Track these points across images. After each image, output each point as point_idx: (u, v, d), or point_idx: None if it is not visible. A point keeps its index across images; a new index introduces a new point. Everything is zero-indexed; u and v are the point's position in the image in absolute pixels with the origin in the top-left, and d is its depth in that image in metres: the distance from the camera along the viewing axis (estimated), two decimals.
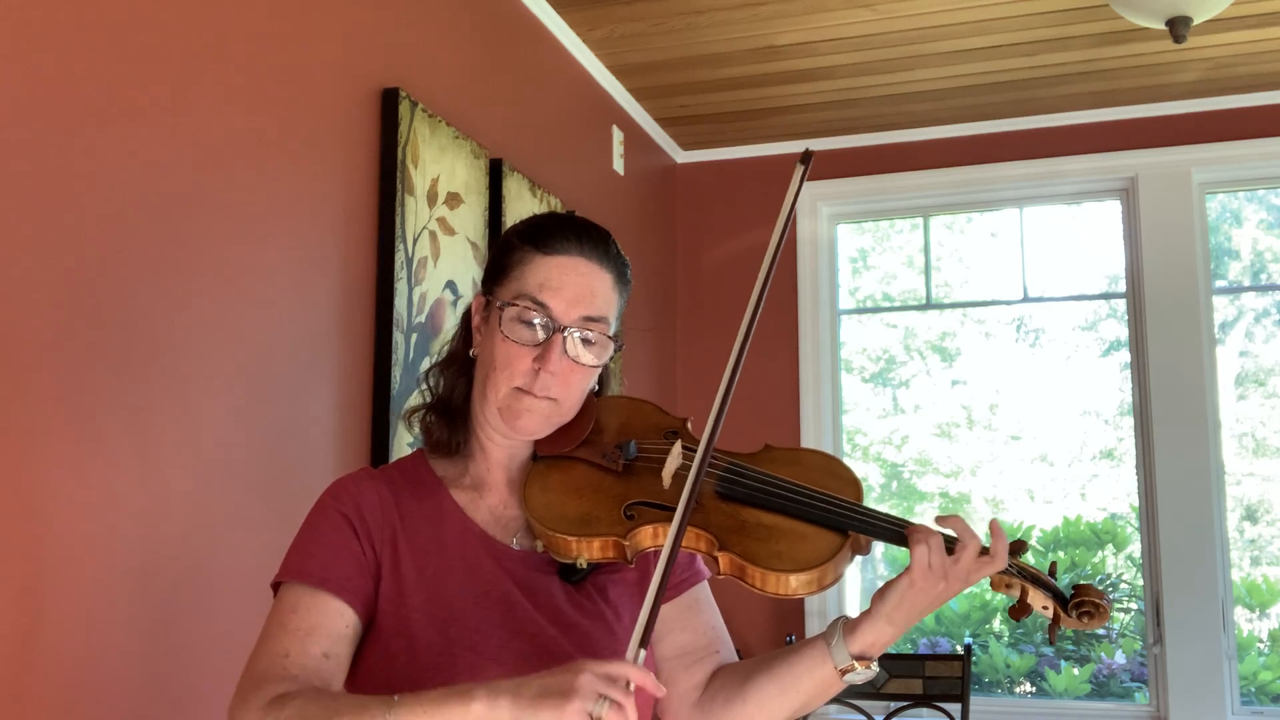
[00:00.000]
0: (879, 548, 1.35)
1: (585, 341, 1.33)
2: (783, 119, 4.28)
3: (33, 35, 1.68)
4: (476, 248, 2.89)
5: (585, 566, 1.31)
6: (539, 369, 1.30)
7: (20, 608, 1.62)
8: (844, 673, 1.30)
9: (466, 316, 1.43)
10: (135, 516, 1.82)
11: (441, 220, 2.73)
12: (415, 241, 2.60)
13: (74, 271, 1.73)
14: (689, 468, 1.23)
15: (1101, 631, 4.16)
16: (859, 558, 1.32)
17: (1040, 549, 4.41)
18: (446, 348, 1.45)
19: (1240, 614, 4.13)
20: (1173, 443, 3.99)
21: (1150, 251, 4.12)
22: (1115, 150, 4.18)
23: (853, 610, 4.30)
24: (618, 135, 4.00)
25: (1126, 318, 4.23)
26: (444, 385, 1.42)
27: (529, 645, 1.29)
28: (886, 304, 4.66)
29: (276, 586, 1.30)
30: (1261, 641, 4.18)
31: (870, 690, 3.38)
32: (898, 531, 1.29)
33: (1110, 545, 4.38)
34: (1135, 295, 4.18)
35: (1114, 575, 4.39)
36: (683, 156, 4.64)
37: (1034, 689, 4.31)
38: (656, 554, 1.32)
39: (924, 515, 4.53)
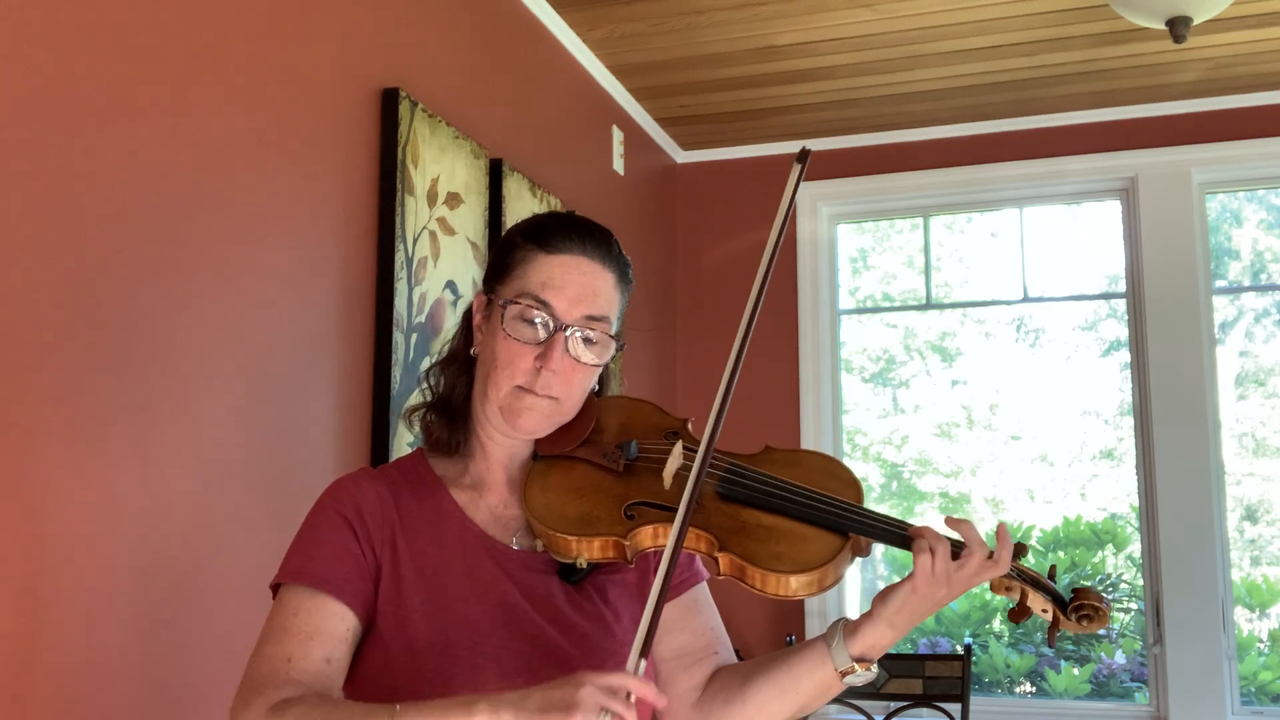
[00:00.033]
0: (879, 549, 1.35)
1: (587, 340, 1.33)
2: (783, 119, 4.28)
3: (33, 35, 1.68)
4: (476, 248, 2.89)
5: (585, 566, 1.31)
6: (541, 367, 1.30)
7: (20, 608, 1.62)
8: (844, 674, 1.30)
9: (467, 315, 1.42)
10: (135, 516, 1.82)
11: (441, 220, 2.73)
12: (415, 241, 2.60)
13: (74, 271, 1.73)
14: (690, 468, 1.23)
15: (1101, 632, 4.16)
16: (859, 559, 1.32)
17: (1040, 549, 4.42)
18: (447, 346, 1.45)
19: (1240, 614, 4.13)
20: (1173, 443, 3.99)
21: (1150, 251, 4.12)
22: (1115, 150, 4.18)
23: (852, 611, 4.30)
24: (618, 135, 4.00)
25: (1126, 318, 4.23)
26: (444, 384, 1.41)
27: (528, 646, 1.29)
28: (886, 304, 4.66)
29: (276, 587, 1.29)
30: (1261, 641, 4.18)
31: (870, 690, 3.38)
32: (898, 534, 1.29)
33: (1110, 545, 4.38)
34: (1135, 295, 4.18)
35: (1114, 575, 4.39)
36: (683, 156, 4.64)
37: (1034, 689, 4.31)
38: (656, 554, 1.33)
39: (924, 515, 4.53)
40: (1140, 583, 4.15)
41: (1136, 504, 4.15)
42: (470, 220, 2.87)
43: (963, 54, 3.71)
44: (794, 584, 1.25)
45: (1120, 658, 4.22)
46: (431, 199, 2.68)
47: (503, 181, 3.03)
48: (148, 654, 1.84)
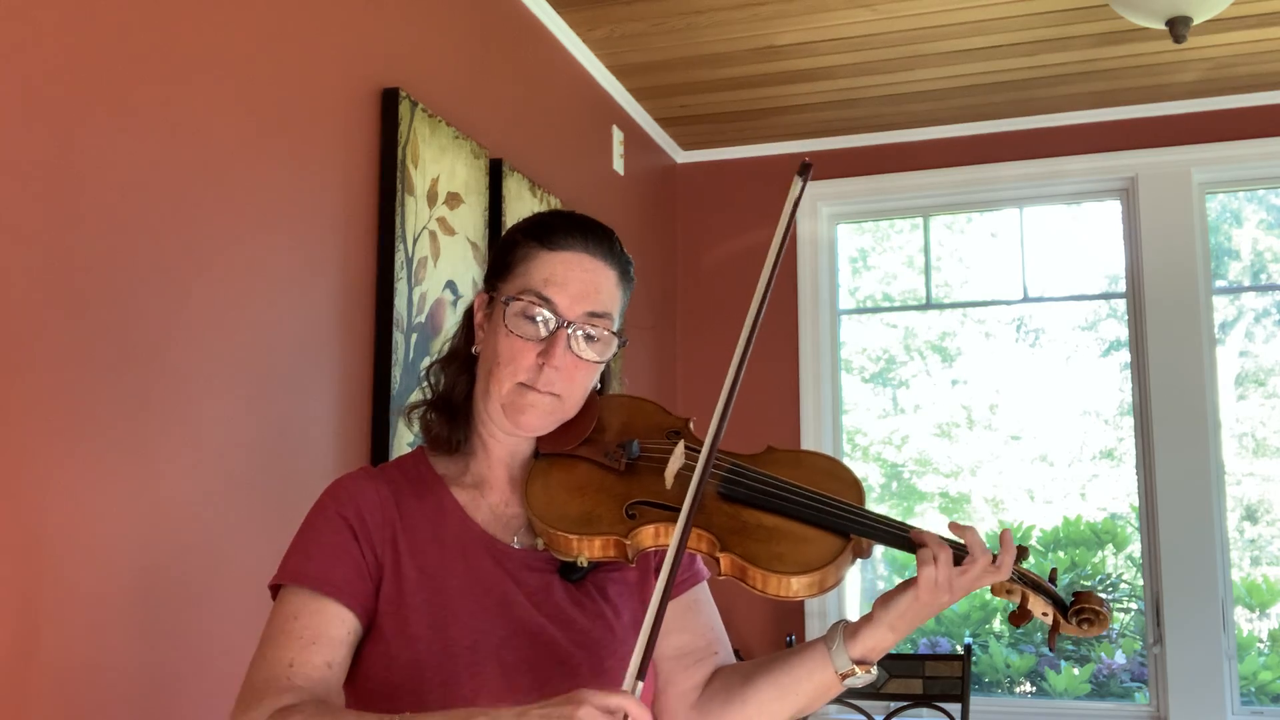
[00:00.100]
0: (879, 549, 1.34)
1: (589, 338, 1.33)
2: (783, 119, 4.28)
3: (33, 35, 1.68)
4: (476, 248, 2.89)
5: (586, 565, 1.31)
6: (543, 364, 1.30)
7: (20, 609, 1.62)
8: (844, 677, 1.30)
9: (469, 313, 1.42)
10: (134, 516, 1.82)
11: (441, 220, 2.73)
12: (415, 241, 2.60)
13: (74, 271, 1.73)
14: (692, 468, 1.23)
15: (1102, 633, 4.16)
16: (860, 560, 1.32)
17: (1040, 549, 4.41)
18: (448, 344, 1.45)
19: (1240, 614, 4.13)
20: (1173, 443, 3.99)
21: (1150, 251, 4.12)
22: (1115, 150, 4.18)
23: (852, 611, 4.30)
24: (618, 135, 4.00)
25: (1126, 318, 4.23)
26: (445, 382, 1.41)
27: (529, 644, 1.28)
28: (886, 304, 4.66)
29: (275, 588, 1.29)
30: (1261, 641, 4.18)
31: (870, 690, 3.38)
32: (900, 536, 1.29)
33: (1110, 545, 4.37)
34: (1135, 295, 4.18)
35: (1114, 575, 4.39)
36: (683, 156, 4.64)
37: (1034, 689, 4.31)
38: (657, 553, 1.33)
39: (924, 515, 4.53)
40: (1140, 583, 4.15)
41: (1136, 504, 4.15)
42: (470, 220, 2.87)
43: (963, 54, 3.71)
44: (795, 585, 1.25)
45: (1120, 658, 4.22)
46: (431, 199, 2.68)
47: (503, 181, 3.03)
48: (148, 655, 1.84)
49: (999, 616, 4.39)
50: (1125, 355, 4.26)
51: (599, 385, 1.42)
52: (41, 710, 1.64)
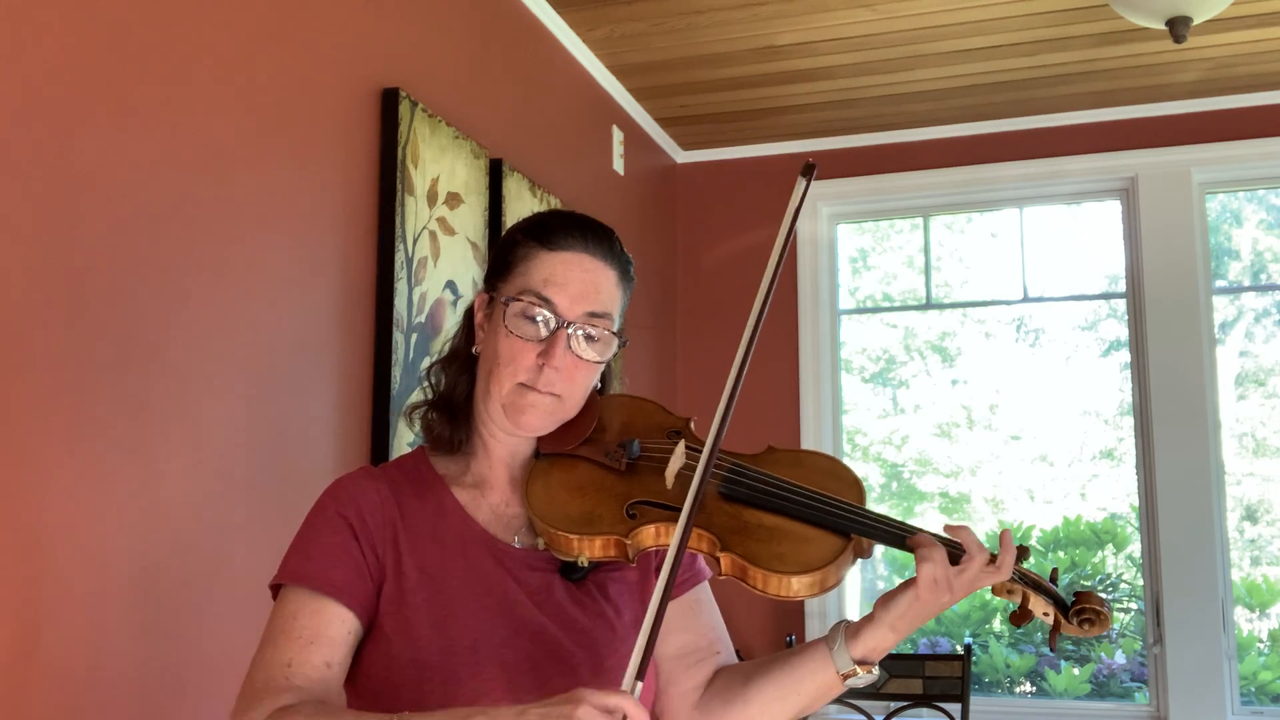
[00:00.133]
0: (879, 549, 1.34)
1: (589, 338, 1.33)
2: (783, 119, 4.28)
3: (33, 35, 1.68)
4: (476, 248, 2.89)
5: (586, 565, 1.31)
6: (543, 365, 1.30)
7: (20, 610, 1.62)
8: (846, 677, 1.30)
9: (469, 313, 1.42)
10: (134, 517, 1.82)
11: (441, 220, 2.73)
12: (415, 241, 2.60)
13: (74, 272, 1.73)
14: (692, 468, 1.23)
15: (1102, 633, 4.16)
16: (860, 560, 1.32)
17: (1040, 549, 4.41)
18: (448, 345, 1.45)
19: (1240, 614, 4.13)
20: (1173, 443, 3.99)
21: (1150, 251, 4.12)
22: (1115, 150, 4.18)
23: (852, 611, 4.30)
24: (618, 135, 4.00)
25: (1126, 318, 4.23)
26: (446, 382, 1.41)
27: (531, 643, 1.28)
28: (886, 304, 4.65)
29: (276, 588, 1.29)
30: (1261, 641, 4.18)
31: (870, 690, 3.38)
32: (901, 537, 1.28)
33: (1110, 545, 4.37)
34: (1135, 295, 4.18)
35: (1114, 575, 4.39)
36: (683, 156, 4.64)
37: (1034, 689, 4.31)
38: (658, 553, 1.32)
39: (924, 515, 4.53)
40: (1140, 583, 4.15)
41: (1136, 504, 4.15)
42: (470, 220, 2.87)
43: (963, 54, 3.71)
44: (796, 585, 1.25)
45: (1120, 658, 4.22)
46: (431, 199, 2.68)
47: (503, 181, 3.03)
48: (148, 655, 1.84)
49: (999, 616, 4.40)
50: (1125, 355, 4.26)
51: (599, 385, 1.42)
52: (41, 710, 1.64)
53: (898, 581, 1.30)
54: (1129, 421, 4.23)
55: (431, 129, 2.68)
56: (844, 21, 3.49)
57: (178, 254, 1.94)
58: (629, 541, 1.28)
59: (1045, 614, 1.31)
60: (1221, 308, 4.27)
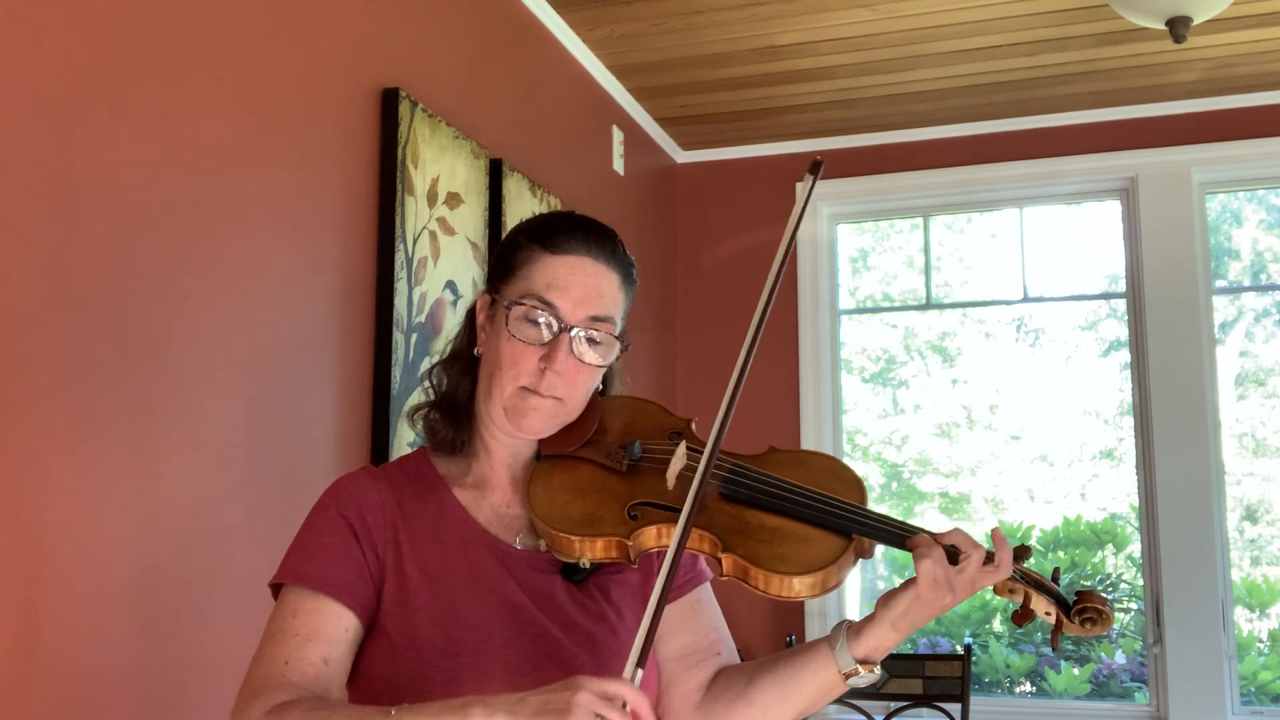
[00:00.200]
0: (879, 549, 1.34)
1: (591, 341, 1.33)
2: (783, 119, 4.28)
3: (33, 35, 1.68)
4: (476, 248, 2.89)
5: (588, 566, 1.31)
6: (545, 368, 1.30)
7: (20, 610, 1.62)
8: (848, 676, 1.30)
9: (471, 314, 1.42)
10: (135, 517, 1.82)
11: (441, 220, 2.72)
12: (415, 241, 2.60)
13: (73, 271, 1.73)
14: (693, 469, 1.23)
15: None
16: (861, 560, 1.32)
17: (1040, 549, 4.41)
18: (450, 345, 1.45)
19: (1240, 614, 4.13)
20: (1173, 443, 3.99)
21: (1150, 251, 4.12)
22: (1115, 150, 4.18)
23: (852, 610, 4.30)
24: (618, 135, 4.00)
25: (1126, 318, 4.23)
26: (448, 383, 1.41)
27: (532, 645, 1.28)
28: (886, 304, 4.65)
29: (276, 587, 1.29)
30: (1261, 641, 4.18)
31: (870, 690, 3.37)
32: (901, 537, 1.28)
33: (1110, 545, 4.37)
34: (1135, 295, 4.18)
35: (1114, 575, 4.39)
36: (683, 156, 4.64)
37: (1034, 689, 4.31)
38: (659, 554, 1.32)
39: (925, 515, 4.53)
40: (1140, 583, 4.15)
41: (1136, 504, 4.15)
42: (470, 220, 2.87)
43: (963, 54, 3.71)
44: (797, 585, 1.25)
45: (1120, 658, 4.22)
46: (431, 199, 2.68)
47: (503, 181, 3.03)
48: (148, 655, 1.84)
49: (999, 616, 4.40)
50: (1125, 355, 4.26)
51: (601, 386, 1.42)
52: (41, 710, 1.64)
53: (898, 581, 1.30)
54: (1129, 421, 4.23)
55: (431, 129, 2.68)
56: (844, 21, 3.49)
57: (178, 254, 1.94)
58: (630, 543, 1.27)
59: (1047, 613, 1.30)
60: (1221, 308, 4.27)
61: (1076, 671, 4.20)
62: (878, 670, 1.31)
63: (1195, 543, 3.92)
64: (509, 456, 1.38)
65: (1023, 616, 1.30)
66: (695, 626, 1.43)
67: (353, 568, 1.27)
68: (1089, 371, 4.42)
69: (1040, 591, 1.30)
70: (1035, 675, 4.29)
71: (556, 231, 1.35)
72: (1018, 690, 4.32)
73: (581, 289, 1.32)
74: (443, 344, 2.65)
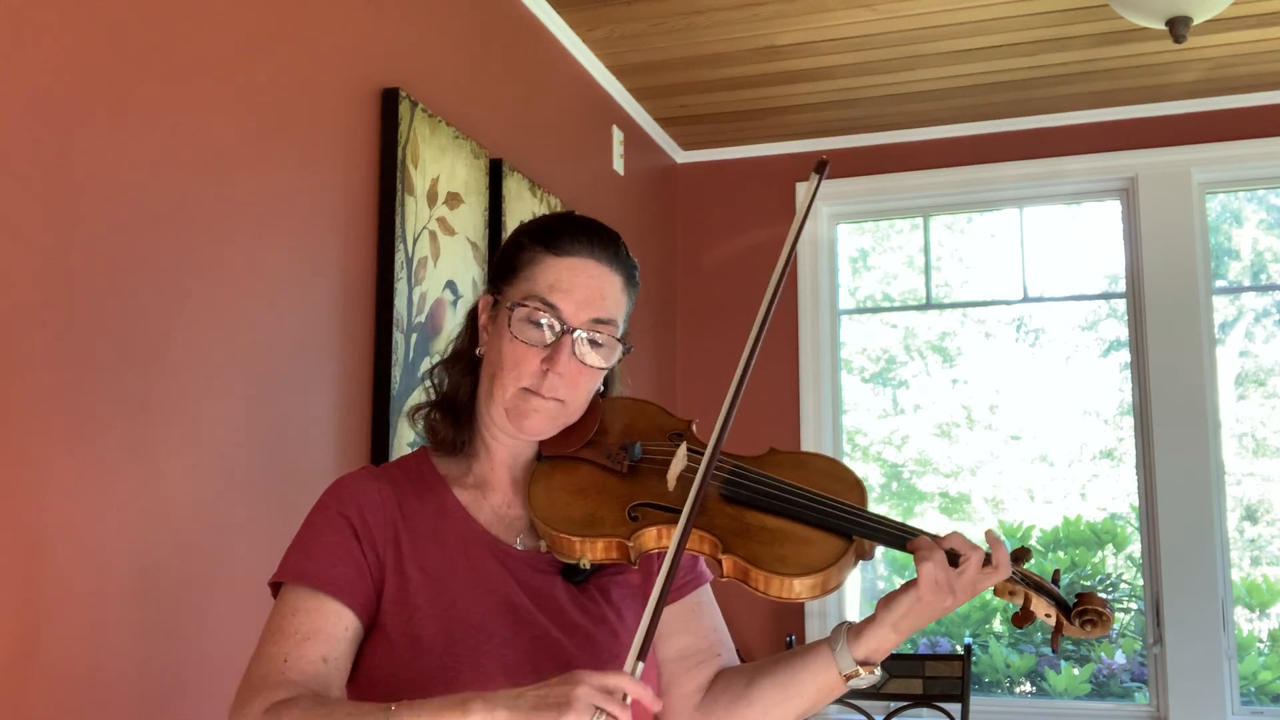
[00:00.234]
0: (879, 550, 1.34)
1: (594, 344, 1.33)
2: (783, 119, 4.27)
3: (33, 35, 1.68)
4: (476, 248, 2.89)
5: (588, 567, 1.31)
6: (547, 370, 1.30)
7: (20, 610, 1.62)
8: (848, 678, 1.30)
9: (473, 314, 1.42)
10: (135, 517, 1.82)
11: (441, 220, 2.72)
12: (415, 241, 2.60)
13: (73, 271, 1.73)
14: (694, 470, 1.23)
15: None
16: (861, 561, 1.32)
17: (1040, 549, 4.41)
18: (452, 345, 1.45)
19: (1240, 614, 4.13)
20: (1173, 443, 3.99)
21: (1150, 251, 4.12)
22: (1115, 150, 4.18)
23: (852, 610, 4.29)
24: (618, 135, 4.00)
25: (1126, 318, 4.23)
26: (449, 383, 1.41)
27: (532, 645, 1.28)
28: (886, 304, 4.65)
29: (276, 586, 1.29)
30: (1261, 641, 4.18)
31: (870, 690, 3.37)
32: (902, 539, 1.28)
33: (1110, 545, 4.37)
34: (1135, 295, 4.18)
35: (1114, 575, 4.39)
36: (683, 156, 4.64)
37: (1034, 689, 4.31)
38: (660, 555, 1.32)
39: (924, 515, 4.53)
40: (1140, 583, 4.15)
41: (1136, 504, 4.15)
42: (470, 220, 2.87)
43: (963, 54, 3.71)
44: (797, 587, 1.25)
45: (1120, 658, 4.22)
46: (431, 199, 2.68)
47: (503, 181, 3.03)
48: (148, 655, 1.84)
49: (999, 616, 4.40)
50: (1125, 355, 4.25)
51: (602, 388, 1.42)
52: (41, 710, 1.64)
53: (898, 581, 1.30)
54: (1129, 421, 4.23)
55: (431, 129, 2.68)
56: (844, 21, 3.49)
57: (178, 254, 1.93)
58: (631, 544, 1.27)
59: (1047, 615, 1.30)
60: (1221, 308, 4.27)
61: (1076, 671, 4.20)
62: (878, 671, 1.31)
63: (1195, 543, 3.92)
64: (510, 457, 1.38)
65: (1023, 618, 1.30)
66: (695, 628, 1.43)
67: (353, 567, 1.27)
68: (1089, 371, 4.43)
69: (1040, 593, 1.30)
70: (1035, 675, 4.29)
71: (560, 233, 1.35)
72: (1018, 690, 4.32)
73: (585, 291, 1.32)
74: (443, 344, 2.65)
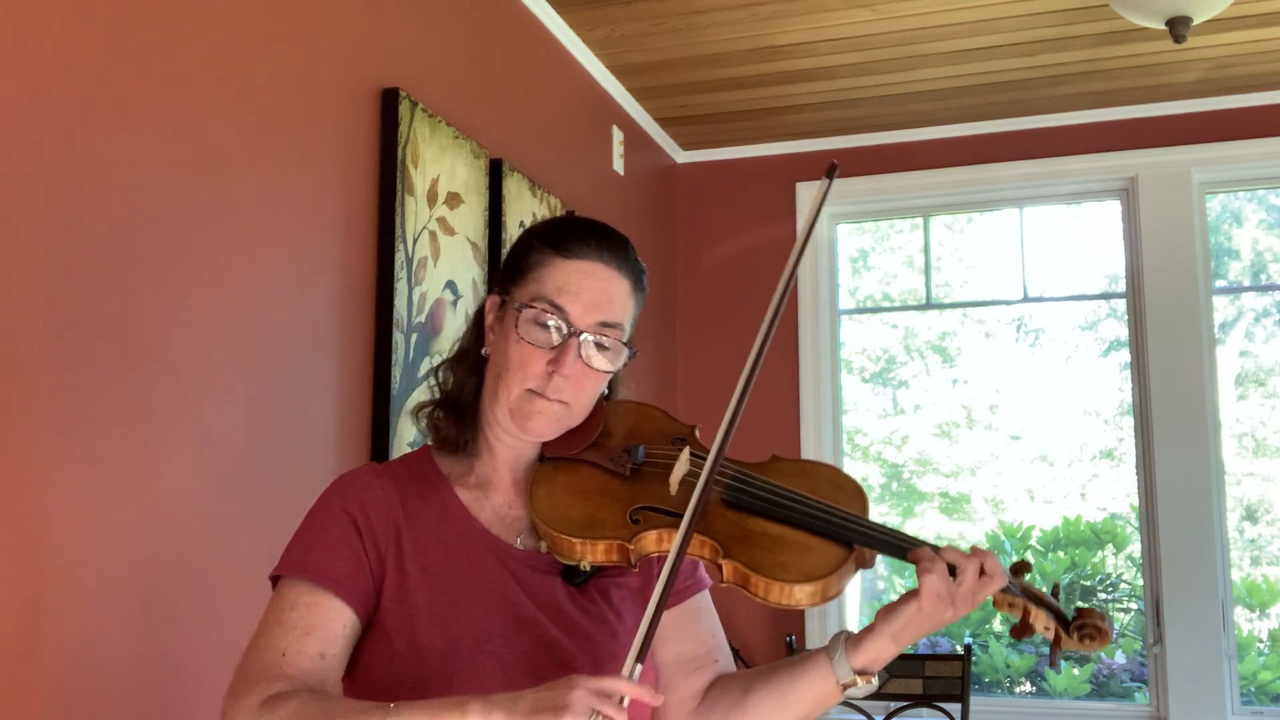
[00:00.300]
0: (880, 557, 1.34)
1: (600, 347, 1.33)
2: (783, 119, 4.27)
3: (33, 35, 1.68)
4: (476, 248, 2.88)
5: (588, 569, 1.31)
6: (552, 372, 1.30)
7: (20, 609, 1.62)
8: (845, 687, 1.30)
9: (479, 314, 1.42)
10: (135, 516, 1.82)
11: (441, 220, 2.72)
12: (415, 241, 2.59)
13: (73, 271, 1.73)
14: (696, 474, 1.23)
15: None
16: (862, 570, 1.32)
17: (1040, 549, 4.41)
18: (458, 344, 1.45)
19: (1240, 614, 4.13)
20: (1173, 443, 3.99)
21: (1150, 251, 4.12)
22: (1115, 150, 4.18)
23: (851, 614, 4.29)
24: (618, 135, 4.00)
25: (1126, 318, 4.23)
26: (454, 382, 1.41)
27: (531, 646, 1.28)
28: (886, 304, 4.65)
29: (275, 579, 1.29)
30: (1261, 641, 4.18)
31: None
32: (903, 549, 1.28)
33: (1110, 545, 4.37)
34: (1135, 295, 4.18)
35: (1114, 575, 4.39)
36: (683, 156, 4.63)
37: (1034, 689, 4.31)
38: (660, 559, 1.32)
39: (924, 515, 4.53)
40: (1140, 583, 4.15)
41: (1136, 504, 4.15)
42: (470, 220, 2.87)
43: (963, 54, 3.71)
44: (797, 593, 1.25)
45: (1120, 658, 4.22)
46: (431, 199, 2.68)
47: (503, 181, 3.03)
48: (148, 654, 1.84)
49: (999, 616, 4.40)
50: (1125, 355, 4.25)
51: (606, 390, 1.42)
52: (42, 708, 1.64)
53: (898, 582, 1.30)
54: (1129, 421, 4.23)
55: (431, 129, 2.68)
56: (844, 21, 3.48)
57: (178, 254, 1.93)
58: (632, 547, 1.27)
59: (1046, 629, 1.29)
60: (1221, 308, 4.27)
61: (1076, 671, 4.20)
62: (875, 680, 1.30)
63: (1195, 543, 3.92)
64: (512, 458, 1.38)
65: (1022, 631, 1.29)
66: (694, 633, 1.43)
67: (354, 563, 1.27)
68: (1089, 371, 4.42)
69: (1039, 606, 1.29)
70: (1035, 675, 4.30)
71: (569, 235, 1.34)
72: (1018, 690, 4.33)
73: (592, 294, 1.32)
74: (443, 344, 2.65)
